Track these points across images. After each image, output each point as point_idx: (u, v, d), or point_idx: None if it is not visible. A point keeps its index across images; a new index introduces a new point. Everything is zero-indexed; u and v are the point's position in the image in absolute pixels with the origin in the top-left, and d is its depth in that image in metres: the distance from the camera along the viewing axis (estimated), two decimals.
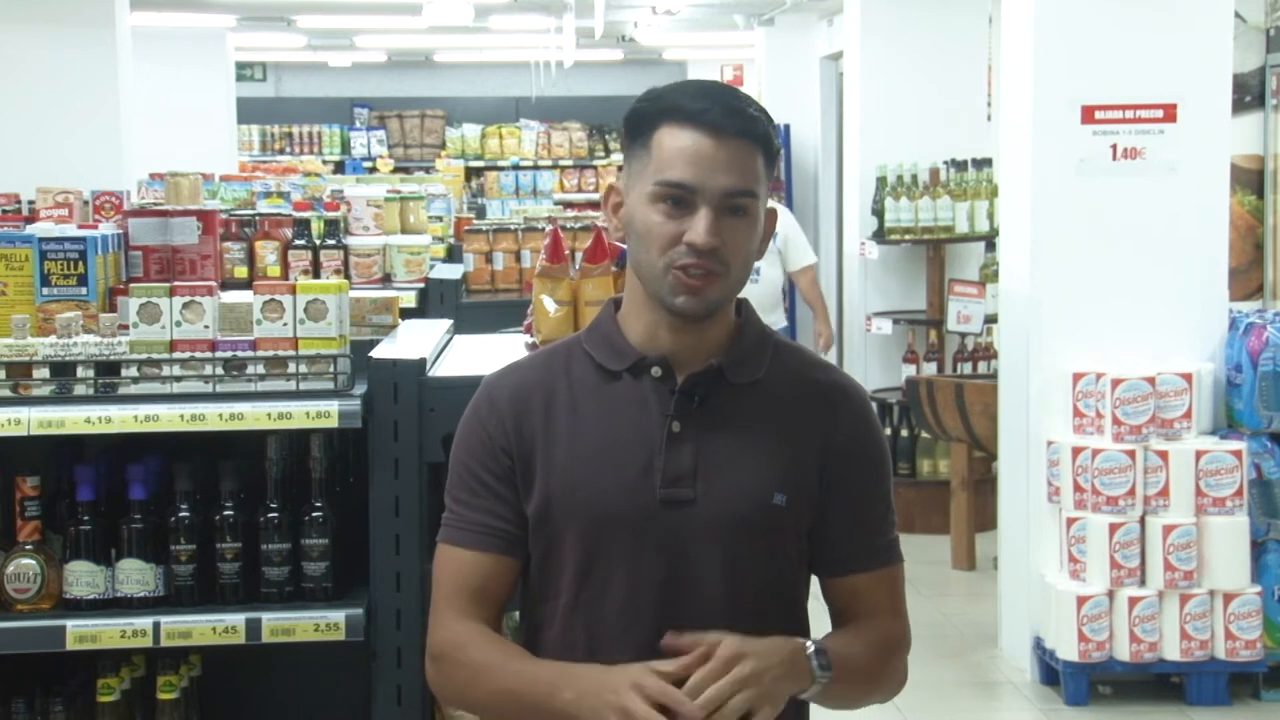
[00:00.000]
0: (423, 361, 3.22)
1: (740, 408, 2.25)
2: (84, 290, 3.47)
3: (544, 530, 2.25)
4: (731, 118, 2.18)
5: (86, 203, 5.45)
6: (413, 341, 3.49)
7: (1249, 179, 7.71)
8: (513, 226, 7.11)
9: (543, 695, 2.15)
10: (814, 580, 2.36)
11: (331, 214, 5.76)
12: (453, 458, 2.33)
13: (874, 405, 2.40)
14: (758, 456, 2.23)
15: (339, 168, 16.47)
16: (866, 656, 2.28)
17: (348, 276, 5.43)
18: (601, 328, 2.31)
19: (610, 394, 2.25)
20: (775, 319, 8.23)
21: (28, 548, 3.18)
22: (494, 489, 2.26)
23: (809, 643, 2.19)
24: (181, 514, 3.19)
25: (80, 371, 3.22)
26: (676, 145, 2.18)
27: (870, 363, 9.56)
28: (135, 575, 3.18)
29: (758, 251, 2.25)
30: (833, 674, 2.18)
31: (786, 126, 12.93)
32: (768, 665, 2.11)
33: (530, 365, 2.34)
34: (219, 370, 3.23)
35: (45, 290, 3.45)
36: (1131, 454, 5.78)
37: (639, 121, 2.23)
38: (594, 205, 15.08)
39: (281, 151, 16.97)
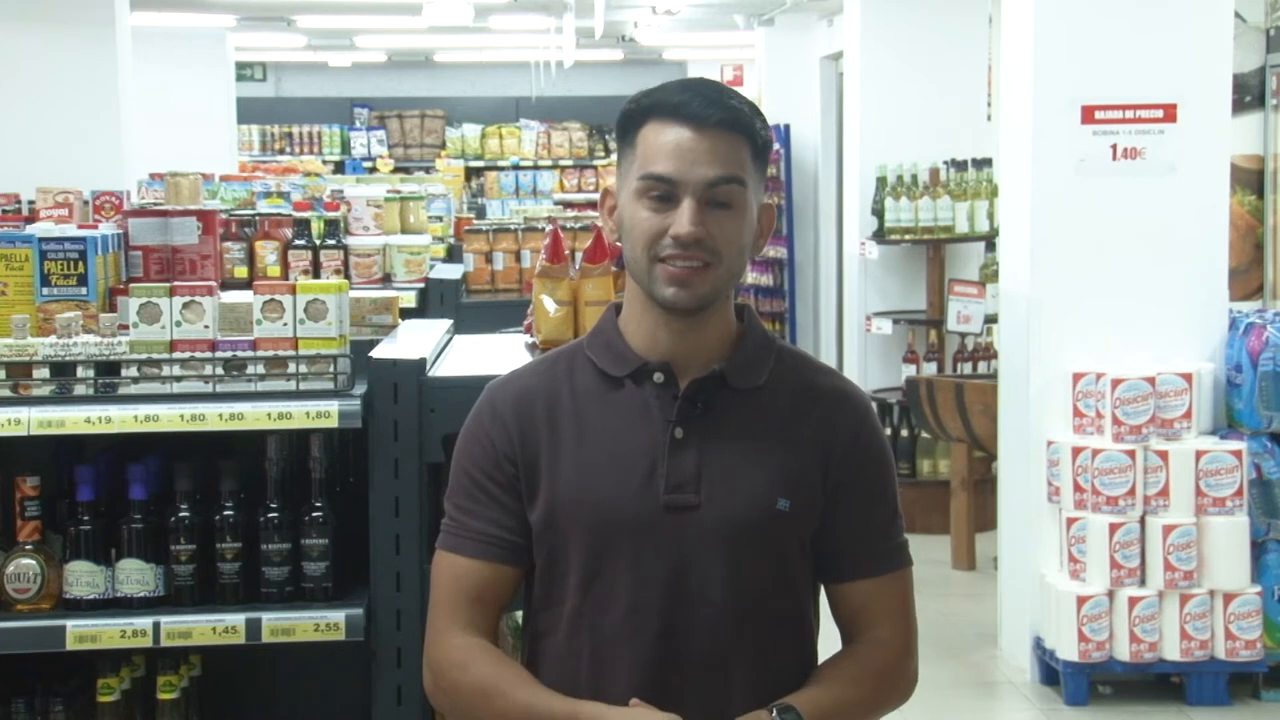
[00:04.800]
0: (423, 361, 3.21)
1: (743, 413, 2.25)
2: (84, 290, 3.47)
3: (548, 537, 2.25)
4: (711, 108, 2.18)
5: (86, 203, 5.45)
6: (413, 341, 3.49)
7: (1249, 179, 7.71)
8: (513, 226, 7.10)
9: None
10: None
11: (331, 214, 5.76)
12: (454, 464, 2.33)
13: (875, 408, 2.39)
14: (761, 462, 2.23)
15: (339, 168, 16.49)
16: (856, 691, 2.26)
17: (348, 276, 5.43)
18: (603, 334, 2.31)
19: (613, 400, 2.25)
20: None
21: (28, 548, 3.18)
22: (496, 497, 2.26)
23: (773, 706, 2.17)
24: (181, 514, 3.19)
25: (80, 371, 3.22)
26: (659, 140, 2.19)
27: (870, 363, 9.56)
28: (135, 575, 3.18)
29: (754, 247, 2.25)
30: None
31: (786, 126, 12.92)
32: None
33: (533, 372, 2.34)
34: (219, 370, 3.23)
35: (45, 290, 3.45)
36: (1131, 454, 5.77)
37: (626, 122, 2.25)
38: (594, 205, 15.07)
39: (281, 151, 16.98)
